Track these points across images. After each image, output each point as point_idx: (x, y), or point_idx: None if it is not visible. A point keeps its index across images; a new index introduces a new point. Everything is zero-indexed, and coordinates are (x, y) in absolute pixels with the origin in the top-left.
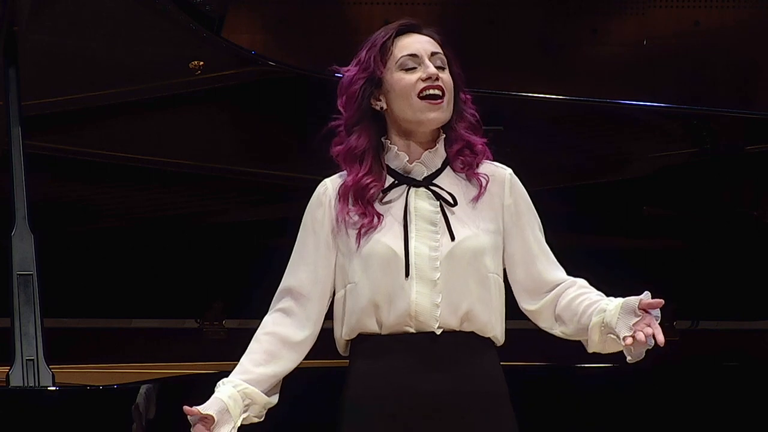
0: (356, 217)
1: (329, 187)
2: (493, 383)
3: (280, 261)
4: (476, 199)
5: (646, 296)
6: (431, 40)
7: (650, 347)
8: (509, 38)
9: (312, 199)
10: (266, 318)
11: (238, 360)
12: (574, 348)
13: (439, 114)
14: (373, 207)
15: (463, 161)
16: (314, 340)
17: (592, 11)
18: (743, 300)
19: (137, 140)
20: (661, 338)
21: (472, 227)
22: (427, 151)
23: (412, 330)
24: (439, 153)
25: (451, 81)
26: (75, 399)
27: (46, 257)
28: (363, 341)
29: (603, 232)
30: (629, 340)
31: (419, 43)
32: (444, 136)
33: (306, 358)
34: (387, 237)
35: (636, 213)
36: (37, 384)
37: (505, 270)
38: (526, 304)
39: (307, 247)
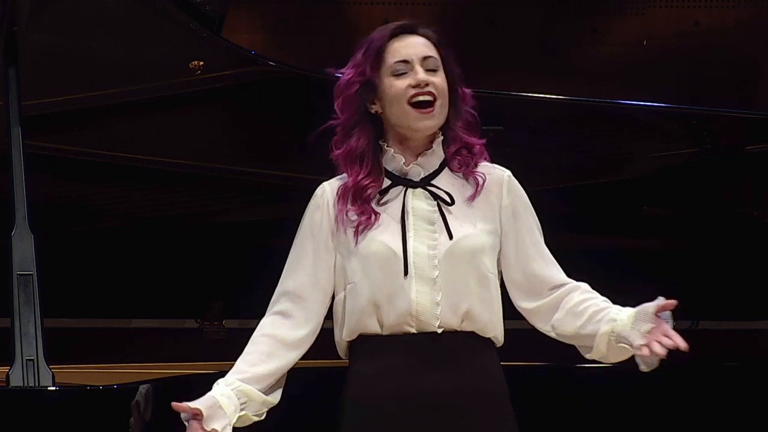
0: (354, 216)
1: (327, 189)
2: (493, 383)
3: (280, 261)
4: (473, 198)
5: (659, 301)
6: (426, 41)
7: (662, 355)
8: (509, 38)
9: (310, 202)
10: (263, 320)
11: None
12: (574, 348)
13: (429, 122)
14: (370, 206)
15: (460, 161)
16: (314, 338)
17: (592, 11)
18: (743, 300)
19: (137, 140)
20: (683, 344)
21: (470, 226)
22: (423, 153)
23: (413, 330)
24: (437, 154)
25: (445, 83)
26: (75, 399)
27: (46, 257)
28: (363, 342)
29: (603, 232)
30: (645, 350)
31: (411, 48)
32: (441, 137)
33: (306, 358)
34: (385, 236)
35: (636, 213)
36: (37, 384)
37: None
38: (523, 303)
39: (305, 249)
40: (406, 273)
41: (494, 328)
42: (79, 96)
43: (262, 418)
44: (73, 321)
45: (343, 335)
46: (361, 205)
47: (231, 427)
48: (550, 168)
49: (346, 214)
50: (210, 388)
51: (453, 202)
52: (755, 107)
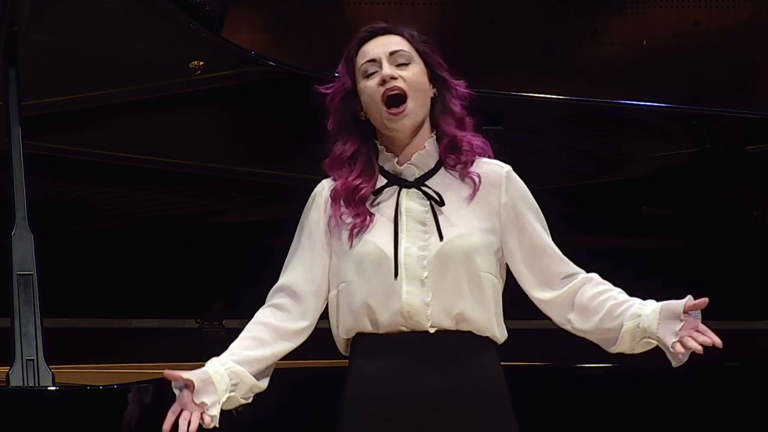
0: (348, 219)
1: (326, 187)
2: (492, 383)
3: (280, 261)
4: (469, 198)
5: (688, 300)
6: (396, 38)
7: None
8: (509, 38)
9: (309, 199)
10: (259, 311)
11: None
12: (574, 348)
13: (405, 122)
14: (365, 207)
15: (453, 159)
16: (308, 333)
17: (592, 11)
18: (743, 300)
19: (137, 140)
20: (718, 341)
21: (464, 226)
22: (417, 153)
23: (406, 329)
24: (431, 153)
25: (419, 76)
26: (75, 399)
27: (46, 257)
28: (361, 340)
29: (603, 232)
30: (679, 347)
31: (378, 46)
32: (432, 136)
33: (306, 358)
34: (377, 237)
35: (636, 213)
36: (37, 384)
37: (509, 268)
38: (537, 293)
39: (302, 246)
40: (396, 275)
41: (491, 327)
42: (79, 96)
43: (249, 401)
44: (73, 321)
45: (339, 332)
46: (356, 206)
47: (219, 406)
48: (550, 168)
49: (341, 217)
50: None
51: (443, 203)
52: (755, 107)
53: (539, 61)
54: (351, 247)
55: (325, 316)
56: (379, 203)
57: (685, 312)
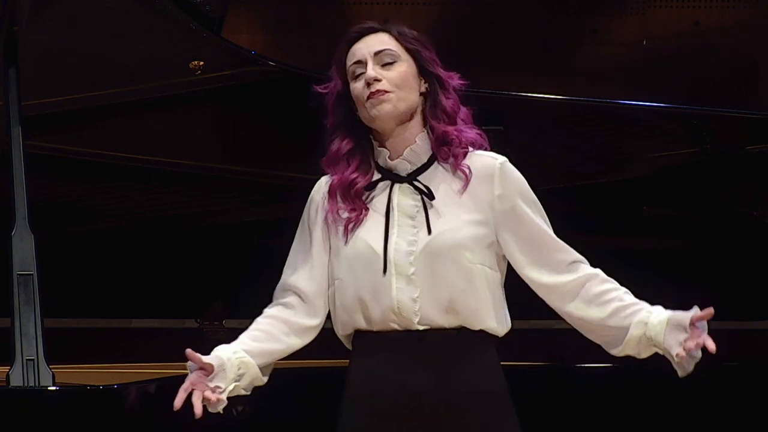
0: (344, 214)
1: (323, 184)
2: (490, 382)
3: (280, 261)
4: (461, 191)
5: (695, 311)
6: (383, 36)
7: (698, 358)
8: (509, 38)
9: (309, 197)
10: (267, 309)
11: None
12: (575, 348)
13: (382, 107)
14: (360, 201)
15: (445, 152)
16: (317, 331)
17: (592, 11)
18: (743, 300)
19: (137, 140)
20: (711, 345)
21: (453, 220)
22: (408, 148)
23: (398, 327)
24: (423, 148)
25: (405, 74)
26: (75, 399)
27: (46, 257)
28: (359, 338)
29: (603, 232)
30: (681, 352)
31: (365, 47)
32: (424, 131)
33: (306, 358)
34: (368, 234)
35: (636, 213)
36: (37, 384)
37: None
38: (538, 278)
39: (303, 243)
40: (385, 271)
41: (484, 318)
42: (79, 96)
43: (248, 393)
44: (73, 321)
45: (337, 330)
46: (352, 201)
47: (227, 393)
48: (550, 168)
49: (337, 213)
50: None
51: (433, 197)
52: (755, 107)
53: (539, 61)
54: (345, 243)
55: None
56: (372, 198)
57: (691, 324)
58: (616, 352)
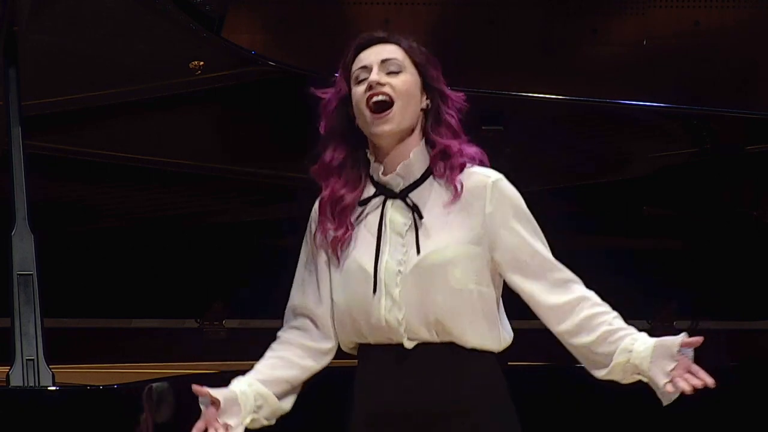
0: (334, 232)
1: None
2: (482, 397)
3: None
4: (451, 209)
5: (683, 338)
6: (392, 46)
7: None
8: (509, 38)
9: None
10: (280, 332)
11: (238, 360)
12: None
13: (386, 126)
14: (349, 220)
15: (441, 167)
16: (333, 353)
17: (592, 11)
18: (743, 300)
19: (137, 140)
20: (710, 381)
21: (442, 239)
22: (401, 163)
23: (393, 342)
24: (417, 163)
25: (409, 85)
26: (75, 399)
27: (46, 257)
28: (361, 350)
29: (603, 232)
30: (670, 387)
31: (373, 54)
32: (419, 146)
33: None
34: (360, 252)
35: (636, 213)
36: (37, 384)
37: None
38: (531, 295)
39: (306, 262)
40: (375, 290)
41: (474, 339)
42: (79, 96)
43: (272, 423)
44: (73, 321)
45: (342, 344)
46: (340, 219)
47: (243, 428)
48: (550, 168)
49: (327, 231)
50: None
51: (421, 216)
52: (755, 107)
53: (539, 61)
54: (338, 262)
55: None
56: (366, 215)
57: (679, 351)
58: (601, 375)
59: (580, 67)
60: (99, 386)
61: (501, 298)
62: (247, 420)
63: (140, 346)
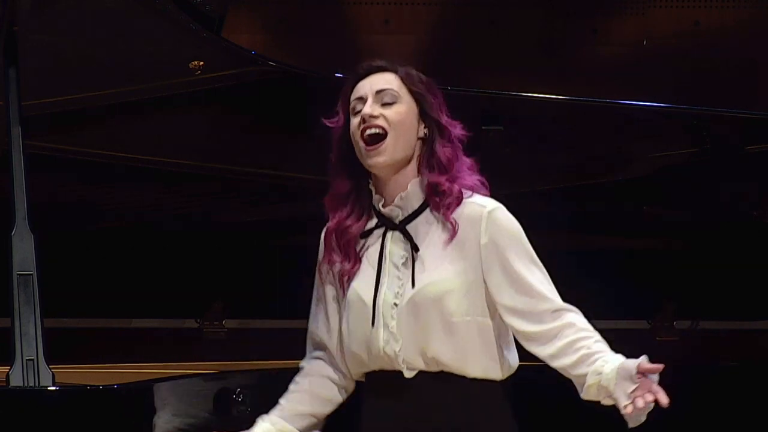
0: (341, 264)
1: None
2: (485, 424)
3: (280, 261)
4: (447, 242)
5: (643, 360)
6: (388, 75)
7: (649, 409)
8: (509, 38)
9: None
10: (302, 363)
11: (238, 360)
12: None
13: (379, 158)
14: (354, 250)
15: (436, 202)
16: (354, 383)
17: (592, 11)
18: (743, 300)
19: (137, 140)
20: (664, 400)
21: (438, 272)
22: (399, 195)
23: (394, 371)
24: (415, 194)
25: (404, 116)
26: (75, 399)
27: (46, 257)
28: (366, 378)
29: (603, 232)
30: (629, 409)
31: (368, 84)
32: (418, 177)
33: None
34: (361, 284)
35: (636, 213)
36: (37, 384)
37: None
38: (521, 327)
39: (317, 292)
40: (373, 323)
41: (473, 369)
42: (79, 96)
43: None
44: (73, 321)
45: (351, 373)
46: (344, 250)
47: None
48: (550, 168)
49: (332, 263)
50: (210, 388)
51: (417, 248)
52: (755, 107)
53: (539, 61)
54: (343, 293)
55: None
56: (368, 246)
57: (639, 373)
58: (582, 396)
59: (580, 67)
60: (99, 386)
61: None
62: None
63: (140, 346)
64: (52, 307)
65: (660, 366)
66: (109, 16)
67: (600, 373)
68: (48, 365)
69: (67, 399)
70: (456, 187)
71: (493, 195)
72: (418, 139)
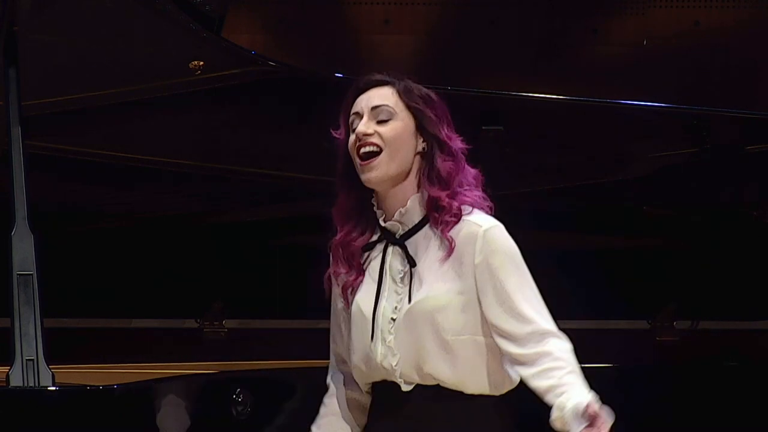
0: (345, 276)
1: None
2: None
3: (280, 261)
4: (444, 259)
5: (591, 402)
6: (385, 90)
7: None
8: (509, 38)
9: None
10: (329, 381)
11: (238, 360)
12: (575, 348)
13: (372, 174)
14: (357, 263)
15: (435, 218)
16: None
17: (592, 11)
18: (743, 300)
19: (137, 140)
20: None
21: (433, 288)
22: (398, 210)
23: (394, 383)
24: (415, 210)
25: (397, 131)
26: (75, 399)
27: (46, 257)
28: (372, 389)
29: (603, 232)
30: None
31: (365, 99)
32: (418, 193)
33: (307, 358)
34: (363, 297)
35: (636, 213)
36: (37, 384)
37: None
38: (506, 347)
39: (333, 306)
40: (372, 336)
41: (472, 386)
42: (79, 96)
43: None
44: (73, 321)
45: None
46: (349, 261)
47: None
48: (550, 168)
49: (338, 275)
50: (209, 388)
51: (414, 264)
52: (755, 107)
53: (539, 61)
54: (348, 306)
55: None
56: (371, 260)
57: (589, 414)
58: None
59: (580, 67)
60: (99, 386)
61: None
62: None
63: (140, 346)
64: (52, 307)
65: (604, 420)
66: (109, 16)
67: (563, 409)
68: (48, 365)
69: (67, 399)
70: (455, 203)
71: (493, 195)
72: (417, 153)
